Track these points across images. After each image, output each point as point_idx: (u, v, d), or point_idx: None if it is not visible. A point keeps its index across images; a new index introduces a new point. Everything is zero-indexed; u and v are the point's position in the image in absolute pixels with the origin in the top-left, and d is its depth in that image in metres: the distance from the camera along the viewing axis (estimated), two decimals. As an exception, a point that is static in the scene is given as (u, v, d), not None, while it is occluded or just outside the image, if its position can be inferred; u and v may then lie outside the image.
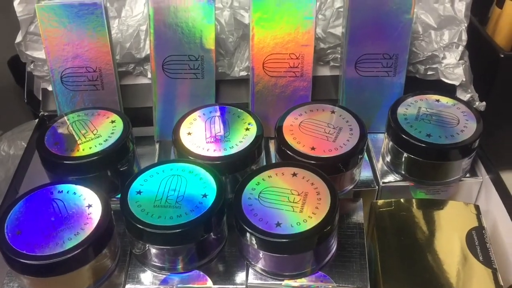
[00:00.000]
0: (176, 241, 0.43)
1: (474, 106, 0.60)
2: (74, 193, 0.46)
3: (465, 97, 0.61)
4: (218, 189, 0.46)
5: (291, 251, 0.43)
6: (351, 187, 0.54)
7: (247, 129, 0.53)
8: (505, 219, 0.52)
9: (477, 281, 0.45)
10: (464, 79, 0.60)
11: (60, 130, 0.53)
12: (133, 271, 0.46)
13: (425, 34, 0.62)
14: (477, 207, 0.51)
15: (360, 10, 0.56)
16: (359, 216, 0.50)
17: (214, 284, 0.45)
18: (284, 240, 0.41)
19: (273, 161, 0.57)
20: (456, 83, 0.61)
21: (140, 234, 0.43)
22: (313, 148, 0.51)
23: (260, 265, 0.45)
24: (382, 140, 0.59)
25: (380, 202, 0.52)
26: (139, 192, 0.45)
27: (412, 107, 0.56)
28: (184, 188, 0.46)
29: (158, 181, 0.47)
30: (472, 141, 0.52)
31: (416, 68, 0.63)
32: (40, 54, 0.61)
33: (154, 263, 0.45)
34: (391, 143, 0.55)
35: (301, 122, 0.54)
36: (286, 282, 0.45)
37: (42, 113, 0.64)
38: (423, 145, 0.52)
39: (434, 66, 0.62)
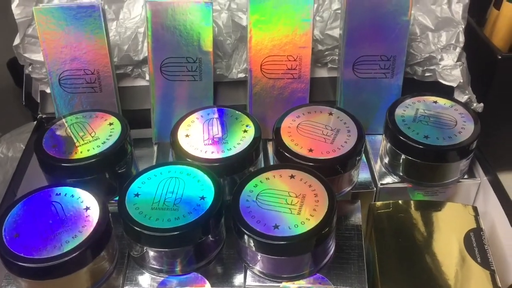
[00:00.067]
0: (174, 243, 0.43)
1: (472, 108, 0.60)
2: (72, 195, 0.46)
3: (463, 98, 0.61)
4: (216, 192, 0.46)
5: (289, 253, 0.43)
6: (349, 189, 0.54)
7: (245, 131, 0.53)
8: (503, 221, 0.52)
9: (475, 282, 0.45)
10: (461, 81, 0.60)
11: (58, 133, 0.53)
12: (131, 274, 0.46)
13: (422, 35, 0.62)
14: (475, 209, 0.51)
15: (358, 12, 0.56)
16: (357, 218, 0.50)
17: (212, 286, 0.45)
18: (282, 242, 0.41)
19: (271, 163, 0.57)
20: (454, 84, 0.61)
21: (138, 237, 0.43)
22: (311, 150, 0.51)
23: (258, 267, 0.45)
24: (380, 142, 0.59)
25: (378, 203, 0.52)
26: (137, 195, 0.45)
27: (410, 108, 0.56)
28: (182, 191, 0.46)
29: (156, 184, 0.47)
30: (470, 143, 0.52)
31: (413, 70, 0.63)
32: (38, 57, 0.61)
33: (152, 266, 0.45)
34: (389, 144, 0.55)
35: (299, 124, 0.54)
36: (284, 284, 0.45)
37: (40, 115, 0.64)
38: (420, 146, 0.52)
39: (432, 67, 0.62)
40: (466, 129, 0.53)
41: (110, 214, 0.45)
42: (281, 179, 0.47)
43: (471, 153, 0.54)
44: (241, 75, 0.63)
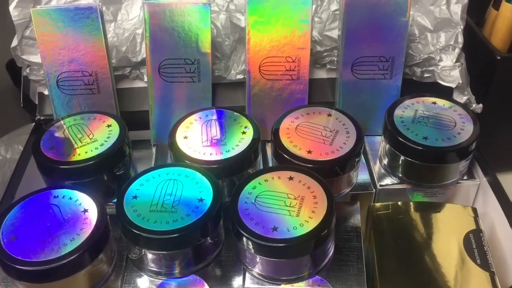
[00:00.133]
0: (172, 246, 0.43)
1: (471, 108, 0.60)
2: (70, 198, 0.46)
3: (462, 99, 0.61)
4: (215, 194, 0.45)
5: (288, 255, 0.42)
6: (348, 190, 0.54)
7: (243, 132, 0.53)
8: (502, 222, 0.52)
9: (475, 284, 0.45)
10: (460, 82, 0.60)
11: (56, 135, 0.53)
12: (130, 276, 0.46)
13: (421, 36, 0.62)
14: (474, 210, 0.51)
15: (356, 13, 0.56)
16: (356, 220, 0.50)
17: (211, 288, 0.45)
18: (281, 244, 0.41)
19: (270, 164, 0.57)
20: (453, 85, 0.61)
21: (136, 239, 0.43)
22: (309, 152, 0.50)
23: (257, 269, 0.45)
24: (379, 143, 0.59)
25: (377, 205, 0.52)
26: (135, 197, 0.45)
27: (409, 109, 0.56)
28: (180, 193, 0.46)
29: (154, 186, 0.46)
30: (469, 144, 0.52)
31: (412, 71, 0.63)
32: (36, 58, 0.61)
33: (151, 268, 0.45)
34: (388, 146, 0.55)
35: (297, 125, 0.54)
36: (283, 286, 0.45)
37: (38, 117, 0.64)
38: (419, 148, 0.52)
39: (431, 68, 0.62)
40: (465, 130, 0.53)
41: (108, 217, 0.45)
42: (280, 181, 0.46)
43: (470, 154, 0.54)
44: (240, 76, 0.63)
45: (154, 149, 0.61)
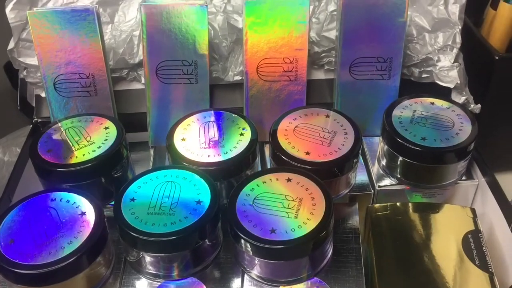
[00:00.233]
0: (170, 248, 0.43)
1: (469, 109, 0.60)
2: (68, 201, 0.46)
3: (460, 99, 0.61)
4: (213, 196, 0.45)
5: (286, 257, 0.42)
6: (346, 191, 0.54)
7: (241, 134, 0.53)
8: (501, 222, 0.52)
9: (474, 285, 0.45)
10: (458, 82, 0.60)
11: (53, 137, 0.53)
12: (128, 279, 0.46)
13: (419, 36, 0.62)
14: (473, 211, 0.51)
15: (354, 13, 0.56)
16: (355, 221, 0.50)
17: (209, 291, 0.45)
18: (279, 246, 0.41)
19: (268, 166, 0.57)
20: (451, 85, 0.61)
21: (134, 242, 0.43)
22: (307, 153, 0.50)
23: (255, 271, 0.44)
24: (377, 144, 0.59)
25: (376, 206, 0.52)
26: (133, 199, 0.45)
27: (407, 110, 0.55)
28: (178, 195, 0.46)
29: (152, 188, 0.46)
30: (468, 144, 0.52)
31: (410, 71, 0.63)
32: (33, 61, 0.61)
33: (149, 271, 0.45)
34: (386, 146, 0.55)
35: (295, 127, 0.53)
36: (282, 288, 0.45)
37: (35, 119, 0.64)
38: (418, 148, 0.51)
39: (429, 69, 0.62)
40: (463, 130, 0.53)
41: (106, 219, 0.45)
42: (278, 183, 0.46)
43: (468, 155, 0.53)
44: (238, 77, 0.63)
45: (152, 151, 0.61)
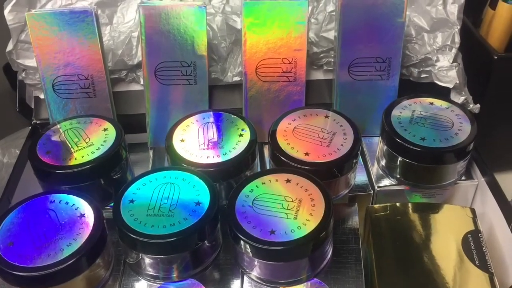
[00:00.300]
0: (170, 250, 0.43)
1: (469, 109, 0.59)
2: (67, 202, 0.46)
3: (459, 99, 0.61)
4: (212, 197, 0.45)
5: (286, 258, 0.42)
6: (346, 191, 0.53)
7: (240, 135, 0.53)
8: (501, 222, 0.52)
9: (474, 285, 0.45)
10: (457, 82, 0.60)
11: (52, 139, 0.53)
12: (127, 281, 0.46)
13: (418, 37, 0.62)
14: (473, 211, 0.51)
15: (352, 14, 0.56)
16: (354, 222, 0.50)
17: (209, 292, 0.45)
18: (279, 247, 0.41)
19: (268, 167, 0.57)
20: (450, 85, 0.61)
21: (133, 244, 0.43)
22: (307, 154, 0.50)
23: (255, 272, 0.44)
24: (377, 144, 0.59)
25: (375, 206, 0.52)
26: (132, 201, 0.45)
27: (406, 110, 0.55)
28: (178, 196, 0.46)
29: (151, 189, 0.46)
30: (467, 144, 0.52)
31: (409, 71, 0.63)
32: (32, 62, 0.61)
33: (148, 272, 0.45)
34: (385, 147, 0.55)
35: (295, 127, 0.53)
36: (282, 289, 0.45)
37: (34, 121, 0.64)
38: (417, 149, 0.51)
39: (428, 69, 0.62)
40: (463, 130, 0.53)
41: (105, 221, 0.45)
42: (277, 184, 0.46)
43: (468, 155, 0.53)
44: (236, 78, 0.63)
45: (151, 152, 0.61)
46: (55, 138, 0.53)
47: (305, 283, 0.45)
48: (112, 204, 0.46)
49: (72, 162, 0.50)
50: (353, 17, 0.56)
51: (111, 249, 0.47)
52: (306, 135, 0.52)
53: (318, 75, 0.65)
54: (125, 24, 0.62)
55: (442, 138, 0.52)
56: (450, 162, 0.53)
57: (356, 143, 0.51)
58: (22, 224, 0.44)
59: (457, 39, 0.61)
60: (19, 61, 0.61)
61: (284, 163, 0.50)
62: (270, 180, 0.47)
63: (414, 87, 0.62)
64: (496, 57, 0.59)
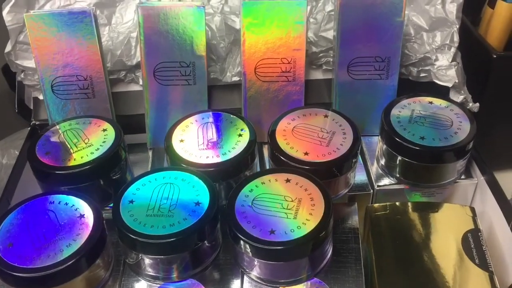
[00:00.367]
0: (169, 250, 0.43)
1: (468, 108, 0.59)
2: (66, 203, 0.46)
3: (459, 98, 0.61)
4: (211, 197, 0.45)
5: (285, 258, 0.42)
6: (346, 191, 0.53)
7: (240, 135, 0.53)
8: (500, 221, 0.52)
9: (474, 284, 0.45)
10: (457, 81, 0.60)
11: (51, 140, 0.53)
12: (127, 281, 0.46)
13: (417, 36, 0.62)
14: (472, 209, 0.51)
15: (351, 13, 0.56)
16: (354, 221, 0.50)
17: (209, 292, 0.45)
18: (278, 247, 0.41)
19: (267, 166, 0.57)
20: (449, 84, 0.61)
21: (133, 244, 0.43)
22: (306, 153, 0.50)
23: (255, 272, 0.44)
24: (376, 143, 0.59)
25: (375, 206, 0.52)
26: (131, 201, 0.45)
27: (406, 109, 0.55)
28: (177, 196, 0.45)
29: (150, 190, 0.46)
30: (466, 143, 0.52)
31: (408, 71, 0.63)
32: (30, 63, 0.61)
33: (148, 273, 0.45)
34: (385, 146, 0.55)
35: (294, 127, 0.53)
36: (282, 289, 0.44)
37: (33, 122, 0.64)
38: (416, 148, 0.51)
39: (427, 68, 0.62)
40: (462, 129, 0.53)
41: (104, 221, 0.45)
42: (277, 183, 0.46)
43: (467, 153, 0.53)
44: (236, 78, 0.63)
45: (150, 153, 0.61)
46: (54, 139, 0.53)
47: (305, 283, 0.45)
48: (111, 205, 0.46)
49: (72, 163, 0.50)
50: (352, 17, 0.56)
51: (111, 249, 0.47)
52: (306, 135, 0.52)
53: (317, 75, 0.65)
54: (123, 25, 0.62)
55: (442, 137, 0.52)
56: (450, 161, 0.53)
57: (356, 142, 0.51)
58: (22, 225, 0.44)
59: (456, 38, 0.61)
60: (17, 62, 0.61)
61: (283, 163, 0.50)
62: (269, 180, 0.47)
63: (413, 86, 0.62)
64: (495, 56, 0.59)
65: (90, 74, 0.57)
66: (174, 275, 0.45)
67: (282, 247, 0.41)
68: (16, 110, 0.65)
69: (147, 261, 0.44)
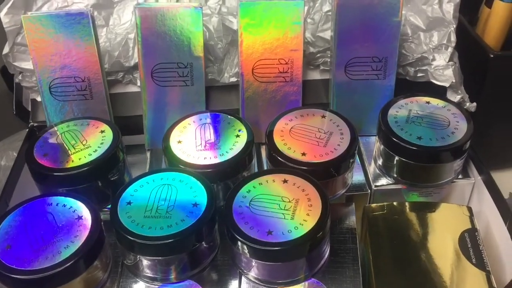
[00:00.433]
0: (167, 251, 0.43)
1: (465, 107, 0.60)
2: (64, 205, 0.46)
3: (456, 98, 0.61)
4: (209, 198, 0.45)
5: (283, 259, 0.42)
6: (343, 191, 0.54)
7: (237, 135, 0.53)
8: (497, 220, 0.52)
9: (471, 284, 0.45)
10: (454, 81, 0.60)
11: (49, 141, 0.53)
12: (125, 282, 0.46)
13: (414, 36, 0.62)
14: (469, 209, 0.51)
15: (348, 13, 0.56)
16: (351, 221, 0.50)
17: (207, 293, 0.45)
18: (276, 248, 0.41)
19: (265, 167, 0.57)
20: (446, 84, 0.61)
21: (131, 246, 0.43)
22: (304, 154, 0.50)
23: (253, 273, 0.44)
24: (373, 143, 0.59)
25: (372, 206, 0.52)
26: (129, 203, 0.45)
27: (403, 109, 0.56)
28: (175, 198, 0.46)
29: (148, 191, 0.46)
30: (463, 143, 0.52)
31: (406, 70, 0.63)
32: (28, 65, 0.61)
33: (146, 274, 0.45)
34: (382, 146, 0.55)
35: (291, 128, 0.53)
36: (279, 289, 0.45)
37: (31, 123, 0.64)
38: (414, 148, 0.51)
39: (424, 68, 0.62)
40: (459, 129, 0.53)
41: (102, 223, 0.45)
42: (274, 184, 0.46)
43: (464, 153, 0.54)
44: (233, 79, 0.63)
45: (148, 154, 0.61)
46: (52, 140, 0.53)
47: (303, 283, 0.45)
48: (109, 206, 0.46)
49: (69, 165, 0.50)
50: (349, 17, 0.56)
51: (109, 251, 0.47)
52: (303, 135, 0.53)
53: (315, 75, 0.65)
54: (121, 26, 0.62)
55: (439, 137, 0.52)
56: (447, 161, 0.53)
57: (353, 142, 0.51)
58: (20, 227, 0.44)
59: (453, 38, 0.61)
60: (15, 63, 0.61)
61: (281, 164, 0.50)
62: (267, 181, 0.47)
63: (410, 86, 0.62)
64: (492, 56, 0.59)
65: (88, 75, 0.58)
66: (172, 276, 0.45)
67: (279, 248, 0.41)
68: (14, 112, 0.65)
69: (145, 262, 0.44)
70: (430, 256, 0.47)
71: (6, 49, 0.61)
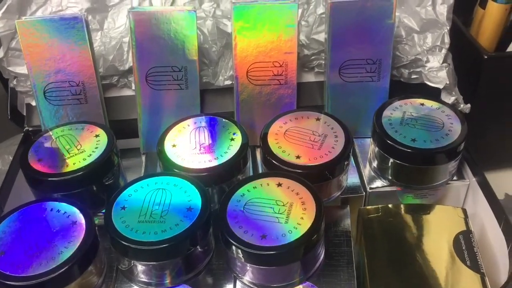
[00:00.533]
0: (162, 256, 0.43)
1: (459, 109, 0.60)
2: (58, 210, 0.46)
3: (450, 100, 0.61)
4: (203, 202, 0.45)
5: (277, 263, 0.42)
6: (338, 193, 0.54)
7: (232, 139, 0.53)
8: (492, 222, 0.52)
9: (465, 286, 0.45)
10: (448, 82, 0.60)
11: (44, 146, 0.53)
12: (120, 287, 0.46)
13: (408, 37, 0.62)
14: (464, 211, 0.51)
15: (342, 16, 0.56)
16: (346, 224, 0.50)
17: (202, 297, 0.45)
18: (270, 252, 0.41)
19: (260, 170, 0.57)
20: (440, 86, 0.61)
21: (125, 251, 0.43)
22: (298, 157, 0.50)
23: (247, 277, 0.44)
24: (368, 145, 0.59)
25: (367, 208, 0.52)
26: (123, 208, 0.45)
27: (397, 111, 0.56)
28: (169, 202, 0.46)
29: (142, 196, 0.46)
30: (458, 144, 0.52)
31: (400, 72, 0.63)
32: (23, 70, 0.61)
33: (141, 279, 0.45)
34: (377, 148, 0.55)
35: (286, 130, 0.53)
36: (274, 293, 0.45)
37: (26, 128, 0.64)
38: (408, 150, 0.52)
39: (418, 69, 0.62)
40: (453, 130, 0.53)
41: (97, 228, 0.45)
42: (268, 188, 0.46)
43: (459, 155, 0.54)
44: (228, 82, 0.63)
45: (143, 158, 0.61)
46: (47, 145, 0.53)
47: (298, 287, 0.45)
48: (104, 211, 0.46)
49: (64, 169, 0.50)
50: (343, 19, 0.57)
51: (104, 256, 0.47)
52: (298, 138, 0.53)
53: (309, 78, 0.65)
54: (115, 30, 0.62)
55: (433, 139, 0.52)
56: (441, 162, 0.53)
57: (347, 145, 0.51)
58: (14, 232, 0.44)
59: (447, 39, 0.61)
60: (10, 68, 0.61)
61: (275, 167, 0.50)
62: (261, 184, 0.47)
63: (404, 88, 0.62)
64: (486, 57, 0.59)
65: (82, 79, 0.58)
66: (167, 281, 0.45)
67: (273, 252, 0.41)
68: (9, 117, 0.65)
69: (140, 267, 0.44)
70: (425, 258, 0.47)
71: (0, 54, 0.61)
